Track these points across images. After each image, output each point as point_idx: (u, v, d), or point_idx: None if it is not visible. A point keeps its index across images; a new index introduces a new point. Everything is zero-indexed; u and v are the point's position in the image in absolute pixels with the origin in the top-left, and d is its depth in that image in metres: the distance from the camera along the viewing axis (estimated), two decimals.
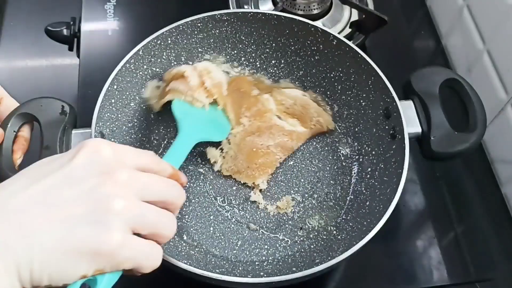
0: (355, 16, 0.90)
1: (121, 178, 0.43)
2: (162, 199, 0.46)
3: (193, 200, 0.69)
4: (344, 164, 0.73)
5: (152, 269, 0.44)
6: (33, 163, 0.45)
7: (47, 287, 0.40)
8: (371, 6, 0.90)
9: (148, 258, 0.44)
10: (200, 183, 0.71)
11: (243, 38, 0.76)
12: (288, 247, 0.66)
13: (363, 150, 0.72)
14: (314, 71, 0.76)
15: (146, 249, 0.44)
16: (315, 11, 0.86)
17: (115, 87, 0.67)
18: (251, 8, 0.90)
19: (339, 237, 0.66)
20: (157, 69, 0.73)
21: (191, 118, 0.67)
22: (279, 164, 0.72)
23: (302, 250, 0.66)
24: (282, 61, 0.78)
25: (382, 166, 0.67)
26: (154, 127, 0.74)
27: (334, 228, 0.67)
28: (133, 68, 0.69)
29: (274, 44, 0.77)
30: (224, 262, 0.64)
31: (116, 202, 0.41)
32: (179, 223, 0.67)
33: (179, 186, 0.49)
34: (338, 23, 0.88)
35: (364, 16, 0.86)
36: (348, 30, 0.88)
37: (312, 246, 0.66)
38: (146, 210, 0.44)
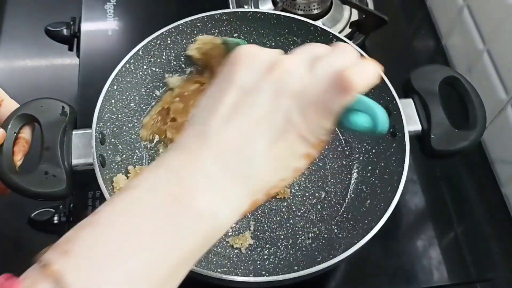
0: (355, 16, 0.90)
1: (285, 63, 0.39)
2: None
3: None
4: (344, 162, 0.73)
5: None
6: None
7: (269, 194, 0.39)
8: (371, 6, 0.90)
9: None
10: None
11: (243, 37, 0.76)
12: (289, 246, 0.66)
13: (363, 149, 0.72)
14: None
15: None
16: (315, 11, 0.86)
17: (115, 87, 0.67)
18: (251, 8, 0.90)
19: (340, 235, 0.66)
20: (157, 69, 0.73)
21: None
22: None
23: (304, 249, 0.66)
24: None
25: (382, 164, 0.67)
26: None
27: (335, 227, 0.67)
28: (133, 68, 0.69)
29: (273, 44, 0.77)
30: (226, 261, 0.64)
31: (294, 85, 0.38)
32: None
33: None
34: (338, 23, 0.88)
35: (364, 16, 0.87)
36: (348, 30, 0.88)
37: (313, 245, 0.66)
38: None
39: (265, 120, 0.38)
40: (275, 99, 0.38)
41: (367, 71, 0.39)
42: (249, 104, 0.38)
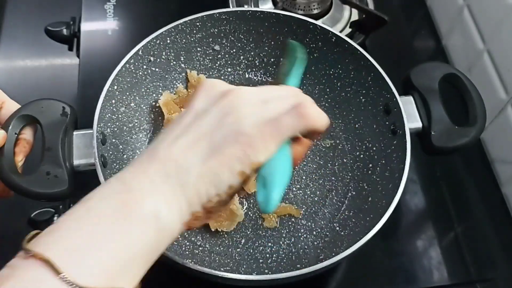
0: (355, 16, 0.90)
1: (238, 92, 0.44)
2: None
3: None
4: (345, 160, 0.73)
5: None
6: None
7: (208, 211, 0.42)
8: (371, 6, 0.90)
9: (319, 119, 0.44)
10: None
11: (242, 36, 0.76)
12: (291, 244, 0.66)
13: (364, 146, 0.72)
14: (313, 68, 0.76)
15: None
16: (315, 11, 0.86)
17: (115, 87, 0.67)
18: (251, 7, 0.90)
19: (342, 233, 0.66)
20: (157, 69, 0.73)
21: None
22: None
23: (306, 247, 0.66)
24: (281, 59, 0.78)
25: (383, 162, 0.67)
26: (154, 127, 0.74)
27: (337, 225, 0.67)
28: (133, 68, 0.69)
29: (273, 43, 0.77)
30: (228, 260, 0.64)
31: (241, 109, 0.43)
32: None
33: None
34: (338, 23, 0.88)
35: (364, 16, 0.87)
36: (348, 30, 0.88)
37: (315, 243, 0.66)
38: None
39: (206, 136, 0.42)
40: (221, 119, 0.43)
41: (322, 115, 0.45)
42: (197, 124, 0.43)
